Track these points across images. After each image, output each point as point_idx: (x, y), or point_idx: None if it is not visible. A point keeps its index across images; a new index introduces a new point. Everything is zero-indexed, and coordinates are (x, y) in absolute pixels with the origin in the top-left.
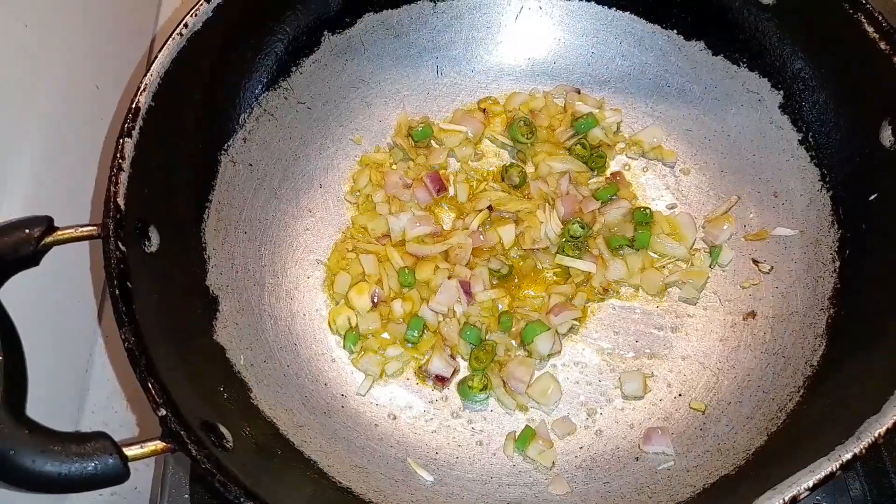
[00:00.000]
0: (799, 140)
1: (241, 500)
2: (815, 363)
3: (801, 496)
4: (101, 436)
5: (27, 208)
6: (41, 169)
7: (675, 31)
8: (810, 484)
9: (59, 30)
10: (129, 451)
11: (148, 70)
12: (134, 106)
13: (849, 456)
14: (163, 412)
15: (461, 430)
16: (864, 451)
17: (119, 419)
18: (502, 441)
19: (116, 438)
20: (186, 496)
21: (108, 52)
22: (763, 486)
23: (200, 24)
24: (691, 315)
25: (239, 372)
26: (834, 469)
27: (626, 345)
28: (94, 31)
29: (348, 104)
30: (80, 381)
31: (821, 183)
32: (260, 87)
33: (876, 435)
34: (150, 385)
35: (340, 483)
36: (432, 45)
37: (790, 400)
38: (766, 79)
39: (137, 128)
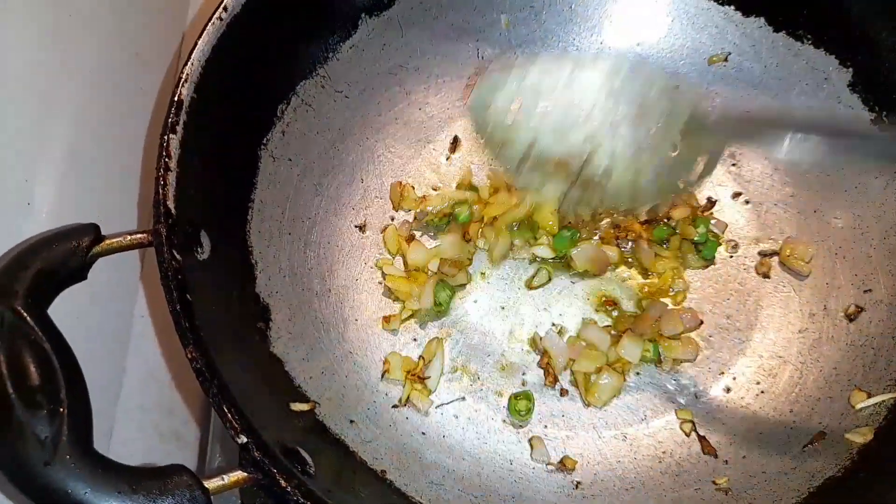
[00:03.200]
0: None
1: None
2: None
3: None
4: (181, 469)
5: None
6: (74, 166)
7: (733, 7)
8: None
9: (90, 13)
10: (210, 484)
11: (189, 59)
12: (177, 98)
13: None
14: (243, 439)
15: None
16: None
17: (154, 403)
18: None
19: (154, 420)
20: None
21: (143, 35)
22: (884, 486)
23: (240, 7)
24: (765, 307)
25: (300, 386)
26: None
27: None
28: (127, 15)
29: (386, 92)
30: (118, 361)
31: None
32: (297, 75)
33: None
34: (226, 410)
35: (421, 503)
36: (472, 26)
37: (889, 393)
38: (832, 56)
39: (182, 122)
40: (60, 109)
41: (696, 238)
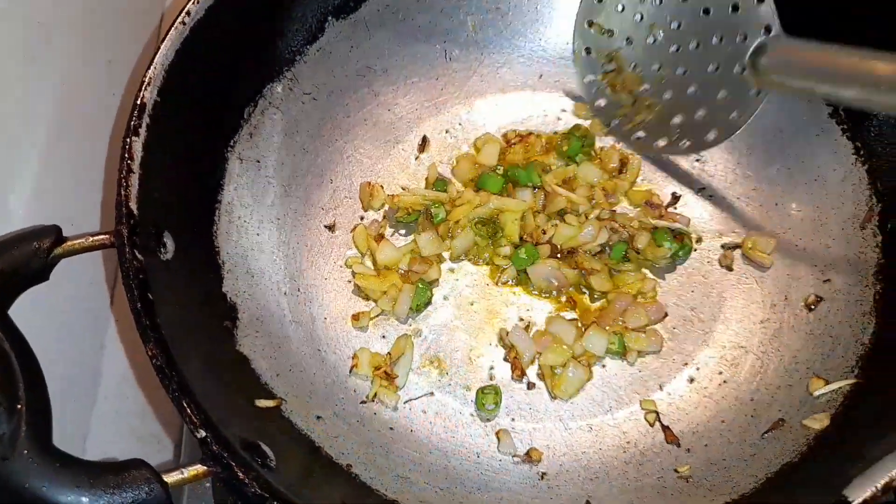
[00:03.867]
0: (829, 113)
1: None
2: (867, 341)
3: None
4: (139, 464)
5: (32, 213)
6: (47, 169)
7: None
8: None
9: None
10: (170, 478)
11: (151, 63)
12: (139, 102)
13: None
14: (202, 433)
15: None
16: None
17: (131, 406)
18: (547, 443)
19: (131, 425)
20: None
21: (117, 35)
22: (838, 472)
23: (203, 12)
24: (728, 299)
25: (266, 383)
26: None
27: (663, 332)
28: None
29: (355, 93)
30: (93, 364)
31: (854, 157)
32: (264, 77)
33: None
34: (185, 405)
35: (386, 496)
36: (440, 28)
37: (845, 380)
38: None
39: (144, 125)
40: (34, 116)
41: (668, 254)
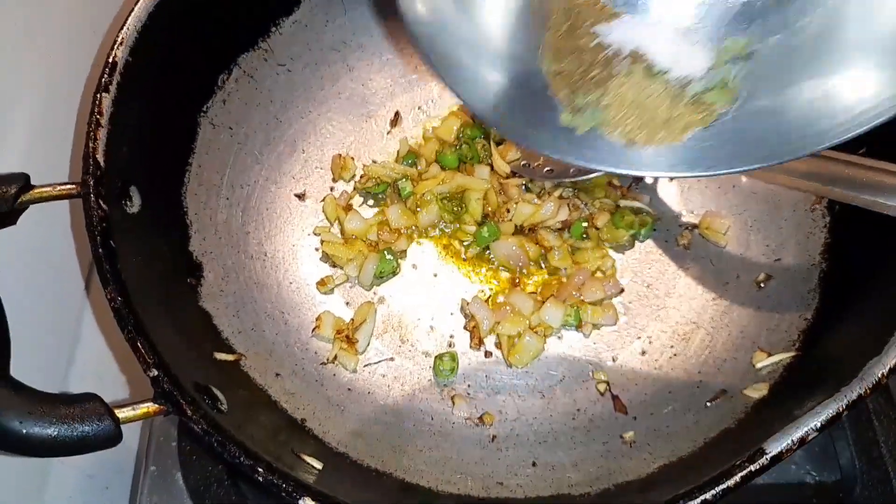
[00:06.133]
0: None
1: (241, 459)
2: (809, 317)
3: (810, 437)
4: (92, 397)
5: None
6: (39, 123)
7: None
8: (818, 424)
9: None
10: (121, 413)
11: (125, 23)
12: (111, 60)
13: (854, 396)
14: (154, 372)
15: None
16: (868, 390)
17: (109, 381)
18: (500, 408)
19: (107, 399)
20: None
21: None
22: (767, 432)
23: None
24: (683, 276)
25: (227, 339)
26: (840, 409)
27: (619, 306)
28: None
29: (330, 67)
30: (69, 341)
31: None
32: (239, 46)
33: (879, 375)
34: (139, 344)
35: (337, 449)
36: None
37: (786, 353)
38: None
39: (115, 83)
40: (17, 82)
41: (630, 233)
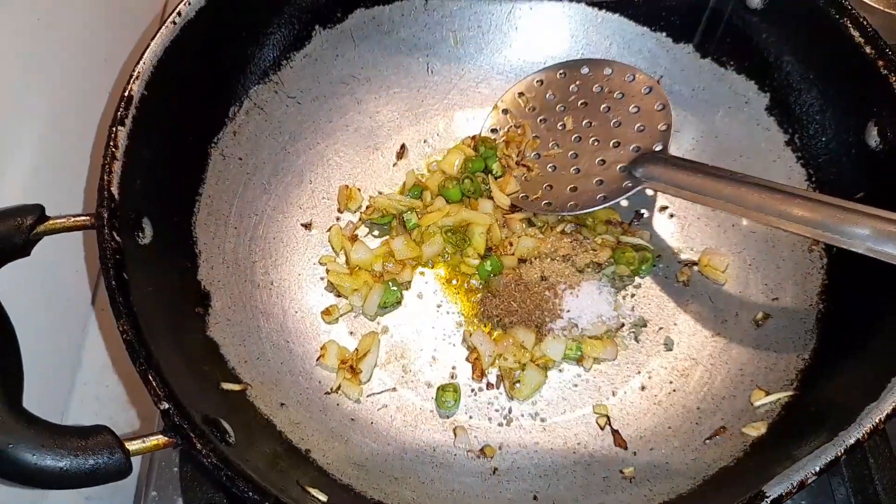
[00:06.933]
0: (785, 141)
1: (249, 494)
2: (807, 357)
3: (809, 480)
4: (103, 429)
5: (26, 196)
6: (41, 155)
7: (665, 34)
8: (817, 469)
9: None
10: (131, 446)
11: (141, 58)
12: (127, 94)
13: (852, 441)
14: (165, 405)
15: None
16: (865, 435)
17: (110, 394)
18: (501, 441)
19: (108, 414)
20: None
21: (114, 34)
22: (766, 473)
23: (194, 13)
24: (682, 313)
25: (233, 368)
26: (839, 453)
27: (621, 340)
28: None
29: (338, 100)
30: (73, 355)
31: (808, 183)
32: (250, 79)
33: (876, 421)
34: (150, 378)
35: (340, 480)
36: (423, 42)
37: (784, 392)
38: (752, 81)
39: (130, 116)
40: (29, 110)
41: (630, 271)
